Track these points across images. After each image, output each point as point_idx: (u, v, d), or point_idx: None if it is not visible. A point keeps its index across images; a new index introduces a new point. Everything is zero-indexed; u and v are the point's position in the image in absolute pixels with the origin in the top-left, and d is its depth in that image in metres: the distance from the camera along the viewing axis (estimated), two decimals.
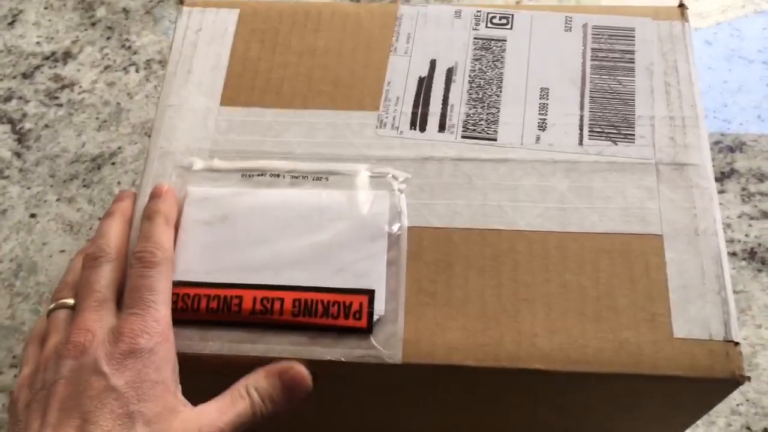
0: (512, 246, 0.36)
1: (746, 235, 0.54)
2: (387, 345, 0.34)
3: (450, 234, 0.37)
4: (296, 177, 0.38)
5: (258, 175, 0.39)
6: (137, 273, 0.34)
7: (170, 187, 0.38)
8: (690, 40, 0.42)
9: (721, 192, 0.56)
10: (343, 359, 0.34)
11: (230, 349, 0.35)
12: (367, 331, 0.34)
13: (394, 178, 0.38)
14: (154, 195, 0.37)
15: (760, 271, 0.53)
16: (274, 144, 0.40)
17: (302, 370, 0.34)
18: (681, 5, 0.43)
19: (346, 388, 0.37)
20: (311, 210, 0.37)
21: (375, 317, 0.35)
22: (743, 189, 0.56)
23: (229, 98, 0.41)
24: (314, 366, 0.34)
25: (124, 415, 0.30)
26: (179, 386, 0.33)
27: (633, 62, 0.41)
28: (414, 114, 0.40)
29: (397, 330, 0.35)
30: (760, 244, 0.54)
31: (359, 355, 0.34)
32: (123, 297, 0.34)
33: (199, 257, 0.36)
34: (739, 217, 0.55)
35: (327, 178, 0.38)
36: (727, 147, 0.58)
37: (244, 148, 0.40)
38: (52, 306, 0.36)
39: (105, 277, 0.35)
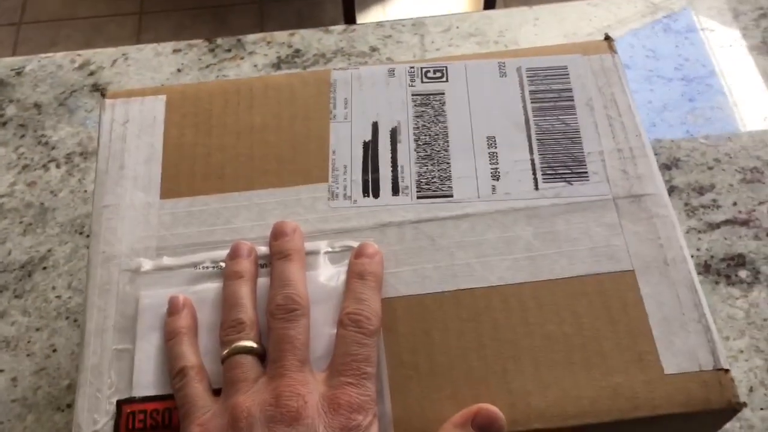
0: (488, 303, 0.35)
1: (698, 249, 0.55)
2: (378, 428, 0.32)
3: (422, 300, 0.36)
4: None
5: (212, 267, 0.37)
6: (354, 339, 0.32)
7: (377, 247, 0.36)
8: (622, 71, 0.42)
9: None
10: None
11: None
12: None
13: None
14: (360, 254, 0.36)
15: (717, 282, 0.54)
16: (225, 232, 0.38)
17: (491, 408, 0.32)
18: (607, 38, 0.44)
19: None
20: None
21: None
22: (686, 204, 0.57)
23: (169, 190, 0.39)
24: None
25: None
26: None
27: (572, 100, 0.41)
28: (365, 180, 0.39)
29: (385, 410, 0.33)
30: (712, 257, 0.55)
31: None
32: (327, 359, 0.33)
33: (162, 367, 0.34)
34: (687, 232, 0.56)
35: None
36: (663, 165, 0.59)
37: (194, 240, 0.38)
38: (231, 349, 0.33)
39: (303, 333, 0.33)
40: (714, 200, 0.58)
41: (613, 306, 0.35)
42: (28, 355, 0.53)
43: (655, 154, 0.59)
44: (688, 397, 0.33)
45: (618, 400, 0.33)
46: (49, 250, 0.57)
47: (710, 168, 0.59)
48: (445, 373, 0.34)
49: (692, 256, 0.55)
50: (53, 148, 0.62)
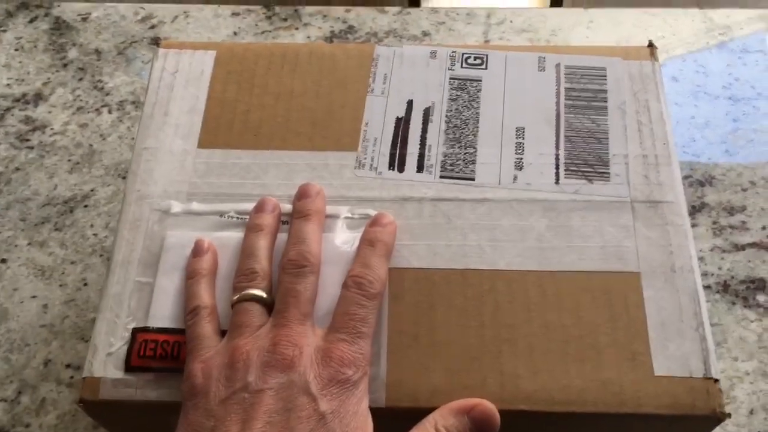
0: (493, 286, 0.36)
1: (719, 268, 0.55)
2: (370, 389, 0.34)
3: (431, 275, 0.37)
4: None
5: (237, 217, 0.38)
6: (354, 299, 0.34)
7: (392, 218, 0.37)
8: (660, 78, 0.43)
9: (693, 226, 0.57)
10: None
11: None
12: None
13: None
14: (374, 222, 0.37)
15: (734, 303, 0.54)
16: (253, 186, 0.40)
17: (489, 406, 0.33)
18: (650, 45, 0.44)
19: None
20: None
21: None
22: (714, 222, 0.57)
23: (206, 140, 0.41)
24: None
25: None
26: (371, 423, 0.32)
27: (606, 101, 0.42)
28: (392, 154, 0.40)
29: (380, 373, 0.34)
30: (733, 277, 0.55)
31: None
32: (331, 316, 0.34)
33: (178, 303, 0.36)
34: (711, 250, 0.56)
35: None
36: (697, 181, 0.59)
37: (223, 190, 0.39)
38: (240, 295, 0.35)
39: (310, 289, 0.34)
40: (743, 222, 0.57)
41: (615, 304, 0.36)
42: (60, 286, 0.56)
43: (690, 170, 0.59)
44: (673, 400, 0.33)
45: (605, 393, 0.34)
46: (92, 190, 0.60)
47: (744, 190, 0.59)
48: (443, 347, 0.35)
49: (712, 275, 0.55)
50: (107, 94, 0.65)
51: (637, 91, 0.42)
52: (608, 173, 0.39)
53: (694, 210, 0.58)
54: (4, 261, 0.57)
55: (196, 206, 0.39)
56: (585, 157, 0.40)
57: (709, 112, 0.62)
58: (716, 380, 0.34)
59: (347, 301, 0.34)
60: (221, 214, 0.38)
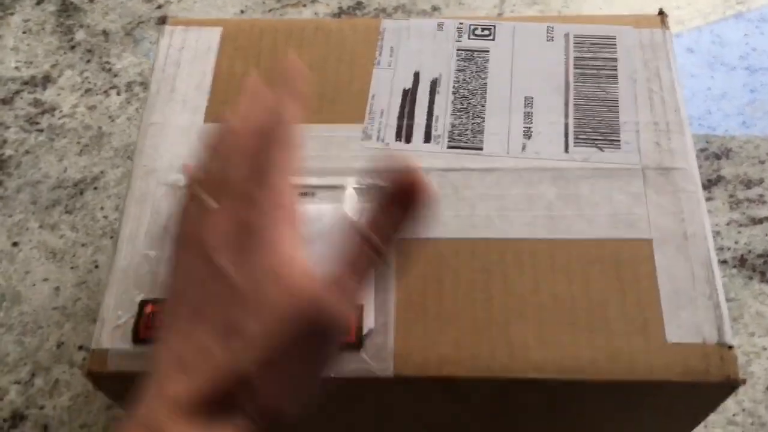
0: (501, 257, 0.36)
1: (736, 243, 0.54)
2: (378, 359, 0.34)
3: (438, 246, 0.36)
4: None
5: None
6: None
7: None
8: (671, 47, 0.42)
9: (708, 199, 0.56)
10: (333, 375, 0.33)
11: None
12: (356, 345, 0.34)
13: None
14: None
15: (750, 278, 0.53)
16: None
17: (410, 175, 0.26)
18: (661, 13, 0.43)
19: (338, 403, 0.37)
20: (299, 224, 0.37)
21: (364, 331, 0.34)
22: (731, 196, 0.56)
23: (213, 115, 0.41)
24: None
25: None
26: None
27: (616, 70, 0.41)
28: (399, 126, 0.40)
29: (387, 344, 0.34)
30: (750, 251, 0.54)
31: (350, 369, 0.34)
32: None
33: None
34: (728, 224, 0.55)
35: (314, 193, 0.38)
36: (713, 154, 0.58)
37: None
38: None
39: None
40: (761, 195, 0.57)
41: (626, 273, 0.35)
42: (71, 268, 0.56)
43: (706, 143, 0.58)
44: (686, 367, 0.33)
45: (616, 362, 0.33)
46: (102, 172, 0.60)
47: (762, 162, 0.58)
48: (451, 319, 0.35)
49: (729, 249, 0.54)
50: (116, 75, 0.65)
51: (648, 59, 0.41)
52: (618, 141, 0.39)
53: (710, 183, 0.57)
54: (15, 244, 0.57)
55: None
56: (595, 125, 0.39)
57: (726, 84, 0.61)
58: (731, 347, 0.33)
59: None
60: None
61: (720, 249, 0.54)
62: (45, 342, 0.53)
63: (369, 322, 0.34)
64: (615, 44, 0.42)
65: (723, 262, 0.54)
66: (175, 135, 0.40)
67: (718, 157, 0.58)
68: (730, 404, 0.49)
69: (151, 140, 0.40)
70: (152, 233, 0.37)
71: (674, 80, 0.41)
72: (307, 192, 0.38)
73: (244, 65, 0.43)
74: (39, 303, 0.55)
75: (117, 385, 0.35)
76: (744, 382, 0.33)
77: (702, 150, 0.58)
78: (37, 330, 0.54)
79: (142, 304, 0.35)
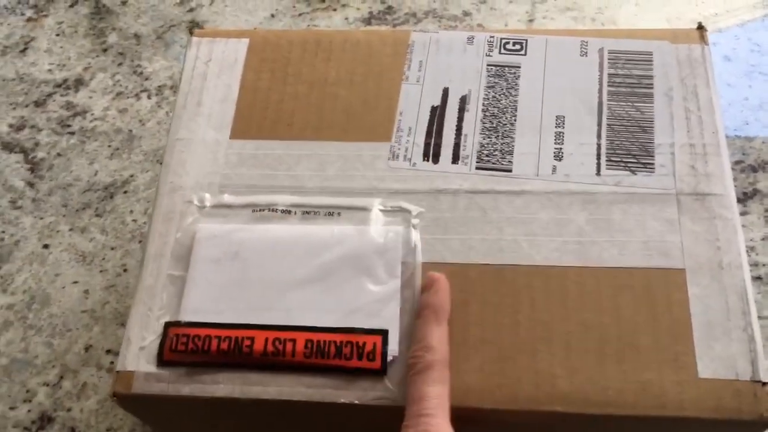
0: (529, 282, 0.35)
1: None
2: (401, 386, 0.33)
3: (465, 270, 0.36)
4: (308, 212, 0.38)
5: (269, 210, 0.38)
6: (409, 381, 0.32)
7: (442, 277, 0.35)
8: (710, 63, 0.41)
9: (743, 213, 0.55)
10: (357, 402, 0.33)
11: (242, 391, 0.34)
12: (381, 372, 0.34)
13: (408, 212, 0.37)
14: (425, 287, 0.35)
15: None
16: (285, 178, 0.39)
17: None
18: (700, 27, 0.42)
19: (354, 426, 0.36)
20: (323, 247, 0.36)
21: (389, 358, 0.34)
22: (767, 210, 0.55)
23: (239, 131, 0.41)
24: (325, 408, 0.33)
25: None
26: None
27: (651, 88, 0.40)
28: (427, 145, 0.39)
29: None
30: None
31: (374, 397, 0.33)
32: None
33: (210, 296, 0.36)
34: (763, 239, 0.54)
35: (339, 213, 0.38)
36: (749, 167, 0.57)
37: (255, 182, 0.39)
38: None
39: None
40: None
41: (658, 302, 0.34)
42: (101, 271, 0.57)
43: (743, 155, 0.56)
44: (718, 404, 0.32)
45: (645, 396, 0.32)
46: (132, 176, 0.60)
47: None
48: (477, 346, 0.34)
49: (764, 265, 0.53)
50: (147, 79, 0.65)
51: (685, 76, 0.40)
52: (653, 164, 0.38)
53: (746, 197, 0.55)
54: (46, 246, 0.58)
55: (227, 198, 0.38)
56: (628, 147, 0.38)
57: (764, 93, 0.59)
58: (765, 383, 0.32)
59: (407, 387, 0.32)
60: (253, 207, 0.38)
61: (754, 265, 0.53)
62: (74, 345, 0.54)
63: (393, 349, 0.34)
64: (651, 60, 0.41)
65: (757, 278, 0.52)
66: (200, 151, 0.40)
67: (754, 169, 0.57)
68: None
69: (178, 156, 0.40)
70: (177, 253, 0.37)
71: (712, 98, 0.40)
72: (333, 212, 0.38)
73: (271, 78, 0.42)
74: (68, 306, 0.56)
75: (142, 406, 0.36)
76: None
77: (737, 162, 0.57)
78: (66, 333, 0.55)
79: (167, 326, 0.35)
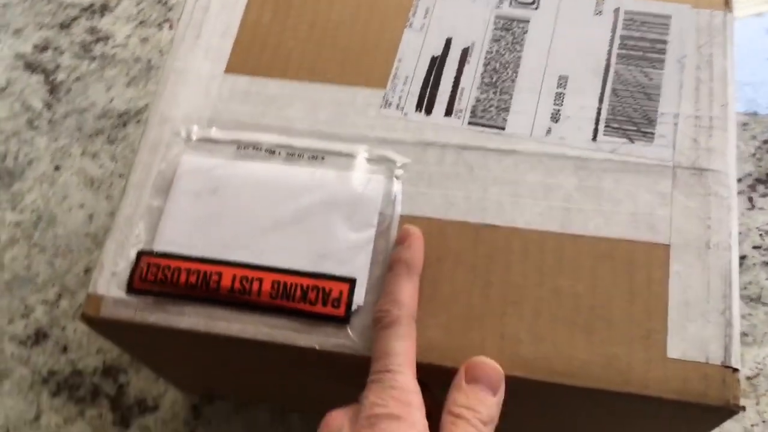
0: (507, 244, 0.34)
1: None
2: (363, 337, 0.33)
3: (443, 226, 0.35)
4: (292, 154, 0.37)
5: (253, 148, 0.37)
6: (376, 335, 0.32)
7: (417, 231, 0.34)
8: (731, 32, 0.38)
9: (764, 195, 0.52)
10: (317, 347, 0.33)
11: (206, 325, 0.34)
12: (344, 320, 0.33)
13: (393, 162, 0.36)
14: (399, 241, 0.34)
15: None
16: (275, 118, 0.38)
17: (482, 359, 0.32)
18: None
19: (315, 371, 0.36)
20: (302, 190, 0.36)
21: (354, 307, 0.33)
22: None
23: (234, 65, 0.40)
24: (286, 350, 0.33)
25: None
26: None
27: (664, 53, 0.38)
28: (421, 95, 0.38)
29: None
30: None
31: (334, 344, 0.33)
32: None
33: (185, 229, 0.36)
34: None
35: (323, 157, 0.37)
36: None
37: (244, 119, 0.39)
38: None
39: None
40: None
41: (637, 276, 0.33)
42: (107, 197, 0.57)
43: (764, 134, 0.54)
44: (684, 386, 0.31)
45: (610, 370, 0.32)
46: (146, 105, 0.61)
47: None
48: (445, 303, 0.34)
49: None
50: (170, 9, 0.65)
51: (703, 44, 0.38)
52: (653, 133, 0.36)
53: None
54: (57, 168, 0.59)
55: (214, 133, 0.38)
56: (630, 114, 0.37)
57: None
58: (735, 369, 0.31)
59: (374, 341, 0.32)
60: (239, 145, 0.38)
61: None
62: (74, 266, 0.55)
63: (359, 298, 0.34)
64: (668, 24, 0.39)
65: None
66: (194, 83, 0.40)
67: None
68: (749, 413, 0.46)
69: (171, 87, 0.40)
70: (158, 184, 0.37)
71: (727, 70, 0.37)
72: (317, 156, 0.37)
73: (272, 16, 0.41)
74: (72, 228, 0.57)
75: (110, 330, 0.36)
76: (744, 409, 0.30)
77: (766, 141, 0.54)
78: (68, 254, 0.56)
79: (140, 255, 0.35)
